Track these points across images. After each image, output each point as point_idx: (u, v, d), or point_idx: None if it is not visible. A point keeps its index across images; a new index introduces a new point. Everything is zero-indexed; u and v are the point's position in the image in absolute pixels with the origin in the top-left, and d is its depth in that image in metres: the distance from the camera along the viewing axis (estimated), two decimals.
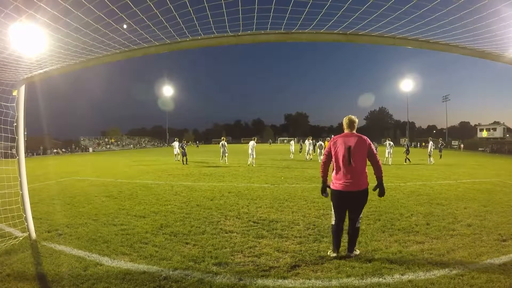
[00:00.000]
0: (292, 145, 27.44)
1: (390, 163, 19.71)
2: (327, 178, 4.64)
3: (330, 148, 4.44)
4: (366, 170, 4.32)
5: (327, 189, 4.64)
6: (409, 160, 20.96)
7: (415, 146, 63.10)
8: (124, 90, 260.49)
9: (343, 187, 4.24)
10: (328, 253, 4.57)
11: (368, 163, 4.30)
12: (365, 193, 4.27)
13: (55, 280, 3.81)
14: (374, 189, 4.32)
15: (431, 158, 20.85)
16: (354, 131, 4.44)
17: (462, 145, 58.02)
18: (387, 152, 20.41)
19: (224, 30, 3.46)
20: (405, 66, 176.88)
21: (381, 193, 4.33)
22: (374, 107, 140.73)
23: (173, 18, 3.08)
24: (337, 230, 4.47)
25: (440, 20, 3.04)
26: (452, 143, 63.17)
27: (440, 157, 24.27)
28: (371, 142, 4.36)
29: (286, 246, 4.93)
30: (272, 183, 11.60)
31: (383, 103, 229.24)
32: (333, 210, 4.52)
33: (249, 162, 19.92)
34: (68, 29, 3.25)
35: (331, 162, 4.50)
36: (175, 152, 25.07)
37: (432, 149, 21.36)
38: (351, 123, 4.47)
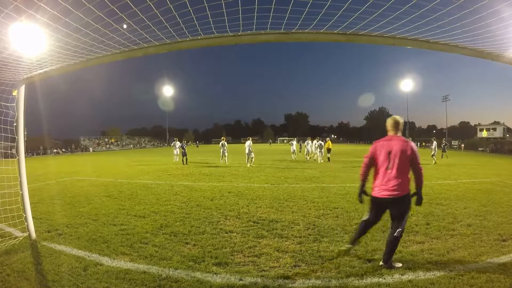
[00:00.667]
0: (294, 145, 27.13)
1: None
2: (365, 184, 4.33)
3: (371, 152, 4.20)
4: (409, 176, 4.04)
5: (363, 195, 4.33)
6: None
7: (420, 146, 62.86)
8: (124, 90, 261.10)
9: (380, 193, 4.01)
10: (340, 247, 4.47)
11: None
12: (404, 199, 3.94)
13: (55, 280, 3.81)
14: (412, 196, 4.04)
15: (435, 158, 20.68)
16: (399, 134, 4.15)
17: (462, 145, 57.97)
18: None
19: (224, 30, 3.46)
20: (405, 66, 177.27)
21: (419, 202, 4.04)
22: (374, 107, 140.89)
23: (173, 18, 3.08)
24: (363, 227, 4.34)
25: (440, 20, 3.05)
26: (452, 143, 63.14)
27: (442, 156, 24.25)
28: (415, 148, 4.06)
29: (286, 246, 4.93)
30: (272, 183, 11.60)
31: (383, 103, 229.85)
32: (368, 211, 4.29)
33: (248, 164, 18.98)
34: (68, 29, 3.25)
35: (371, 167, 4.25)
36: (176, 153, 24.65)
37: (436, 150, 21.19)
38: (396, 124, 4.17)
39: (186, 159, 21.30)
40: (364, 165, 4.30)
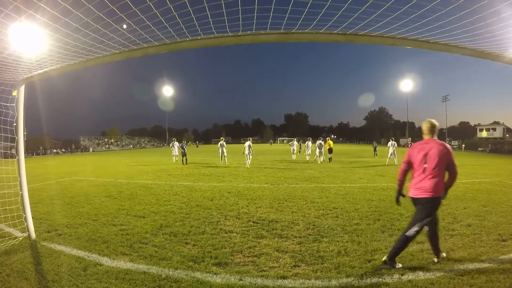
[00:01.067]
0: (294, 145, 26.93)
1: (391, 163, 19.63)
2: (403, 187, 4.38)
3: (408, 156, 4.25)
4: (443, 179, 4.06)
5: (400, 197, 4.42)
6: None
7: None
8: (124, 90, 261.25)
9: (415, 193, 4.08)
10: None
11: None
12: (434, 201, 3.98)
13: (55, 280, 3.81)
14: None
15: None
16: (435, 137, 4.14)
17: (463, 145, 57.83)
18: (389, 153, 20.18)
19: (224, 30, 3.46)
20: (404, 66, 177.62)
21: (443, 198, 4.10)
22: (374, 107, 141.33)
23: (173, 18, 3.08)
24: (430, 235, 4.33)
25: (439, 20, 3.05)
26: (452, 143, 63.12)
27: None
28: (451, 150, 4.06)
29: (286, 246, 4.93)
30: (271, 183, 11.60)
31: (382, 103, 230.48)
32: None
33: (247, 165, 18.71)
34: (68, 29, 3.25)
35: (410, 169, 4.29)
36: (174, 153, 23.77)
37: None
38: (432, 128, 4.14)
39: (186, 159, 21.23)
40: (401, 170, 4.35)
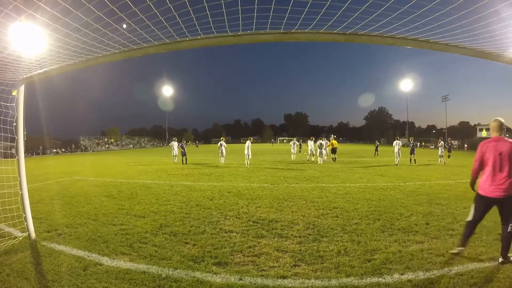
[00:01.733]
0: (294, 145, 26.36)
1: (396, 162, 19.54)
2: (475, 184, 4.53)
3: (481, 154, 4.34)
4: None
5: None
6: (415, 160, 20.03)
7: (420, 146, 62.45)
8: (124, 90, 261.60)
9: (489, 192, 4.14)
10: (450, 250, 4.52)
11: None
12: None
13: (54, 280, 3.81)
14: None
15: (441, 159, 20.46)
16: (503, 135, 4.25)
17: (466, 145, 57.22)
18: (395, 151, 20.04)
19: (223, 30, 3.46)
20: (404, 66, 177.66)
21: None
22: (374, 107, 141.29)
23: (173, 18, 3.08)
24: (469, 228, 4.43)
25: (439, 20, 3.05)
26: (452, 143, 62.96)
27: (449, 157, 24.26)
28: None
29: (286, 245, 4.93)
30: (271, 183, 11.60)
31: (382, 103, 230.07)
32: (473, 209, 4.43)
33: (247, 165, 18.74)
34: (68, 29, 3.25)
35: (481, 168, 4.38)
36: (174, 153, 23.36)
37: (443, 150, 20.89)
38: (500, 126, 4.28)
39: (186, 159, 21.20)
40: (474, 170, 4.48)
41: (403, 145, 23.31)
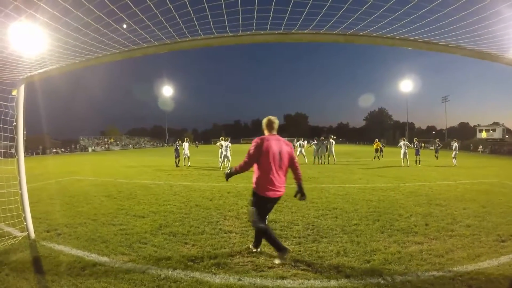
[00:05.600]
0: (301, 146, 22.41)
1: (405, 164, 19.26)
2: None
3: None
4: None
5: None
6: (419, 162, 19.97)
7: (420, 147, 62.20)
8: (124, 90, 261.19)
9: None
10: None
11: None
12: None
13: (54, 280, 3.80)
14: None
15: (455, 160, 20.23)
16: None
17: (471, 146, 56.44)
18: (402, 153, 19.71)
19: (224, 30, 3.46)
20: (404, 66, 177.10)
21: None
22: (374, 108, 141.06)
23: (173, 18, 3.09)
24: None
25: (439, 21, 3.05)
26: (451, 144, 62.78)
27: (437, 158, 24.33)
28: None
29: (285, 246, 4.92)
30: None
31: (382, 104, 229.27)
32: None
33: (222, 165, 17.46)
34: (68, 29, 3.25)
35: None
36: (186, 155, 20.14)
37: (457, 151, 20.73)
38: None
39: (179, 160, 20.03)
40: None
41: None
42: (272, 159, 4.22)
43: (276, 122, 4.62)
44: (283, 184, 4.42)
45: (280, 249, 4.21)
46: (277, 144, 4.36)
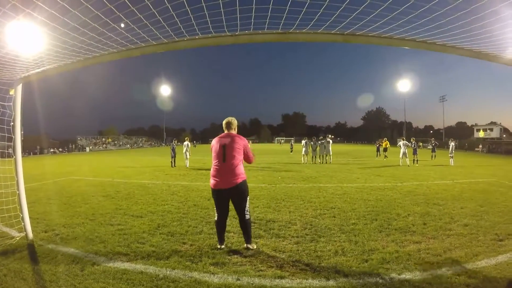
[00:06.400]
0: (306, 146, 22.11)
1: (404, 164, 19.36)
2: None
3: None
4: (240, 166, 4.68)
5: None
6: (417, 161, 19.98)
7: (418, 147, 62.35)
8: (122, 89, 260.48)
9: None
10: None
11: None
12: None
13: (52, 280, 3.79)
14: None
15: (452, 160, 20.22)
16: None
17: (466, 145, 56.34)
18: (401, 153, 19.77)
19: (221, 30, 3.45)
20: (402, 66, 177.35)
21: None
22: (371, 107, 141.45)
23: (171, 17, 3.08)
24: None
25: (437, 21, 3.05)
26: (436, 143, 62.77)
27: (434, 157, 24.42)
28: None
29: (283, 246, 4.93)
30: (269, 183, 11.60)
31: (380, 103, 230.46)
32: None
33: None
34: (66, 28, 3.24)
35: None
36: (187, 155, 19.36)
37: (453, 150, 20.72)
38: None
39: (178, 160, 19.89)
40: None
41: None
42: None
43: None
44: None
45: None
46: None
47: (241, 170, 4.67)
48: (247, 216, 4.70)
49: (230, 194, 4.61)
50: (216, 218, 4.78)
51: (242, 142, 4.72)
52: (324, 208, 7.36)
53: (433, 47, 3.81)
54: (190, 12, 2.98)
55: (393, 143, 31.36)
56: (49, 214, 7.05)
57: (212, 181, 4.64)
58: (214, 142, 4.75)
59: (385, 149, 26.06)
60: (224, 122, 4.93)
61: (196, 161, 23.45)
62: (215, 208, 4.76)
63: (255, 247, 4.84)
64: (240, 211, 4.68)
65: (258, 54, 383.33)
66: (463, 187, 10.63)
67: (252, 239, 5.05)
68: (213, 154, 4.70)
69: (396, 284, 3.62)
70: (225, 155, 4.55)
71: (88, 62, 4.45)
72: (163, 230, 5.74)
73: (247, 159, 4.83)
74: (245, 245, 4.85)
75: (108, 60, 4.35)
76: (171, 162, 19.62)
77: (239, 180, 4.56)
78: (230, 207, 4.77)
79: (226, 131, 4.88)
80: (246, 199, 4.71)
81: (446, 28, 3.20)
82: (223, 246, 4.85)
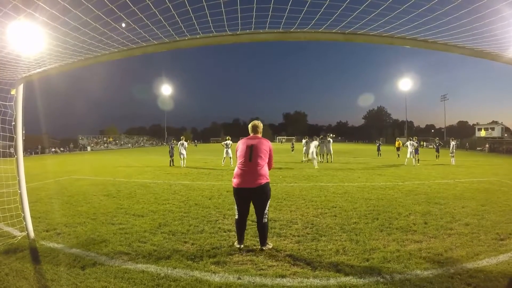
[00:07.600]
0: (309, 145, 20.08)
1: (410, 164, 19.15)
2: None
3: None
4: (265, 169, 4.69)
5: None
6: (418, 160, 19.76)
7: (420, 146, 62.20)
8: (123, 89, 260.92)
9: None
10: None
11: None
12: None
13: (53, 279, 3.80)
14: None
15: (453, 159, 20.15)
16: None
17: (467, 144, 55.82)
18: (409, 152, 19.59)
19: (223, 29, 3.45)
20: (403, 65, 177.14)
21: None
22: (373, 107, 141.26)
23: (172, 17, 3.08)
24: None
25: (438, 20, 3.04)
26: (441, 143, 62.68)
27: (437, 157, 24.35)
28: None
29: (284, 245, 4.94)
30: (270, 182, 11.56)
31: (381, 103, 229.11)
32: None
33: (225, 162, 19.02)
34: (67, 28, 3.24)
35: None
36: (183, 155, 18.63)
37: (454, 149, 20.56)
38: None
39: (173, 161, 19.57)
40: None
41: (403, 145, 23.53)
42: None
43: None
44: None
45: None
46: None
47: (266, 171, 4.67)
48: (265, 220, 4.66)
49: (252, 194, 4.59)
50: (236, 217, 4.76)
51: (269, 145, 4.75)
52: (325, 207, 7.36)
53: (434, 46, 3.80)
54: (191, 11, 2.98)
55: (394, 142, 31.24)
56: (50, 214, 7.07)
57: (235, 180, 4.65)
58: (241, 143, 4.77)
59: (398, 149, 26.91)
60: (250, 125, 4.95)
61: (197, 160, 23.48)
62: (236, 207, 4.74)
63: (270, 246, 4.82)
64: (260, 213, 4.63)
65: (260, 53, 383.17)
66: (464, 186, 10.61)
67: (253, 238, 5.05)
68: (239, 153, 4.70)
69: (397, 283, 3.62)
70: (251, 155, 4.56)
71: (89, 61, 4.46)
72: (164, 229, 5.75)
73: (270, 163, 4.85)
74: (259, 247, 4.80)
75: (109, 60, 4.35)
76: (170, 161, 19.69)
77: (264, 181, 4.56)
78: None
79: (252, 134, 4.90)
80: (268, 201, 4.67)
81: (447, 27, 3.19)
82: (242, 246, 4.81)
